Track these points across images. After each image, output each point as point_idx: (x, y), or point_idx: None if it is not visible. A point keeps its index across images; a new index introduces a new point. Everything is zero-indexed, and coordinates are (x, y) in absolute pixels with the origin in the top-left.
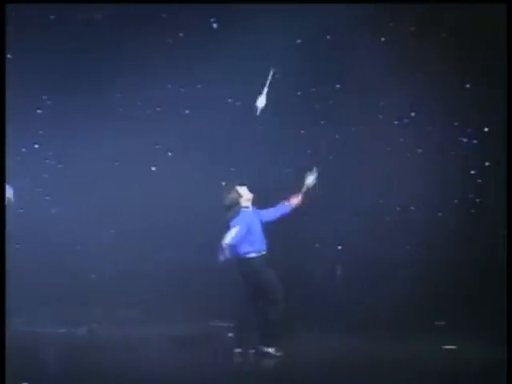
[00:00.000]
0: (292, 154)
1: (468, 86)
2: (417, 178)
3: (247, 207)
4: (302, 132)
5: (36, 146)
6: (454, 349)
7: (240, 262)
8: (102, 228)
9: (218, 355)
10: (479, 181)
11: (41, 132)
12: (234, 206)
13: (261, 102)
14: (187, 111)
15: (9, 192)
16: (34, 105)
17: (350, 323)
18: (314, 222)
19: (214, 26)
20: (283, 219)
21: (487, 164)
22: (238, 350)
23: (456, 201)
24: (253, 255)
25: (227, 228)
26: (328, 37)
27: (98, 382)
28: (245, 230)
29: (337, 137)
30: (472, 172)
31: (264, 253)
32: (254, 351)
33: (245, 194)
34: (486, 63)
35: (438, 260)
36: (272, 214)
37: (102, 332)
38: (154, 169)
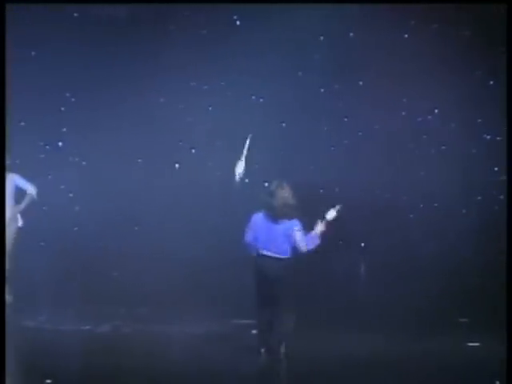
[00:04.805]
0: (315, 151)
1: (491, 82)
2: (440, 174)
3: None
4: (326, 129)
5: (60, 144)
6: (478, 346)
7: (260, 260)
8: (124, 225)
9: (242, 353)
10: (502, 178)
11: (64, 130)
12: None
13: (240, 167)
14: (210, 108)
15: (31, 190)
16: (57, 102)
17: (374, 321)
18: (337, 219)
19: (237, 23)
20: None
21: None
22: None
23: (479, 197)
24: (276, 255)
25: None
26: (351, 34)
27: (120, 380)
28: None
29: (360, 134)
30: (495, 169)
31: (287, 256)
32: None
33: None
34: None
35: (462, 257)
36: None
37: (125, 329)
38: (177, 166)
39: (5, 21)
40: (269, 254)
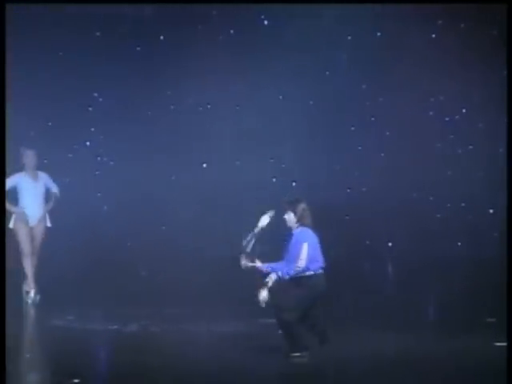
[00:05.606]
0: (342, 150)
1: None
2: (467, 174)
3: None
4: (353, 129)
5: (88, 143)
6: (506, 346)
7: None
8: (152, 225)
9: (269, 352)
10: None
11: (92, 129)
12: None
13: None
14: (237, 107)
15: (55, 190)
16: (85, 102)
17: (400, 320)
18: (364, 219)
19: (265, 22)
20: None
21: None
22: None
23: (507, 197)
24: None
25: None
26: (378, 34)
27: (148, 379)
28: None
29: (387, 133)
30: None
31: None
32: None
33: (290, 219)
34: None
35: (489, 256)
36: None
37: (153, 329)
38: (204, 165)
39: (5, 21)
40: (322, 271)
